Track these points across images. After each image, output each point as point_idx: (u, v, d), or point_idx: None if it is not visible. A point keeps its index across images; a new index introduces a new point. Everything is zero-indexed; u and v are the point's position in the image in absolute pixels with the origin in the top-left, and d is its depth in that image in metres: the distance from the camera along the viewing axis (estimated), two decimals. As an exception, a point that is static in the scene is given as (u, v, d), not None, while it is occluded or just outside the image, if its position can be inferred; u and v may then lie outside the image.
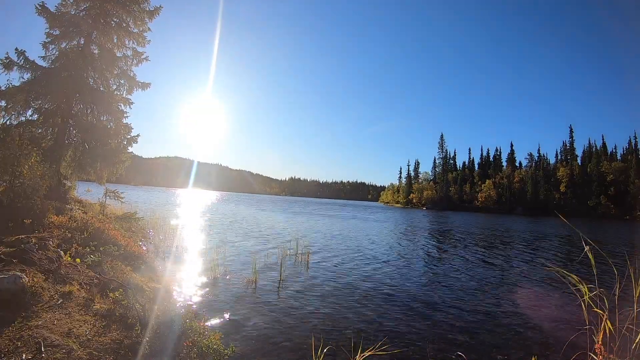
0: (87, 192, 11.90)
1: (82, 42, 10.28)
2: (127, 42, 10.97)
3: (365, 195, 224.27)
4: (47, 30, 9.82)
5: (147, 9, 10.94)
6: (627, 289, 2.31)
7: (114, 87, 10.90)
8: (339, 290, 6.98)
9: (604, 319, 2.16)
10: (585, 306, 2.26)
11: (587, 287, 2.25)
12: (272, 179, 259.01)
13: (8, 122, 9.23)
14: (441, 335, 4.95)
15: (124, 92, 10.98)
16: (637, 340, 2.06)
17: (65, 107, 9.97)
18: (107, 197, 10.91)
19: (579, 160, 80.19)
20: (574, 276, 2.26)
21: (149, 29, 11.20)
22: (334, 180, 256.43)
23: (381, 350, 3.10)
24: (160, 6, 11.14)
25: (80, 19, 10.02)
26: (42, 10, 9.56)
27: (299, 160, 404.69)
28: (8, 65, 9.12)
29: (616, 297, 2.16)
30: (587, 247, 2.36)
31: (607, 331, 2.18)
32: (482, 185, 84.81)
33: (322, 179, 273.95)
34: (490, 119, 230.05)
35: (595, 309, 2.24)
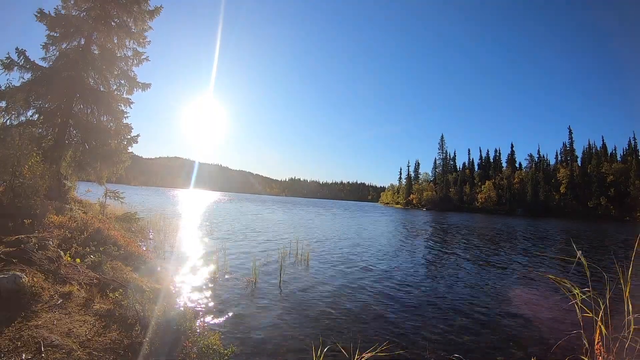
0: (87, 192, 11.89)
1: (83, 42, 10.31)
2: (127, 42, 11.00)
3: (365, 196, 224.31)
4: (48, 32, 9.84)
5: (148, 9, 10.98)
6: (622, 290, 2.31)
7: (114, 87, 10.93)
8: (339, 291, 6.97)
9: (598, 320, 2.18)
10: (578, 309, 2.29)
11: (581, 290, 2.27)
12: (272, 179, 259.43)
13: (8, 122, 9.24)
14: (441, 335, 4.95)
15: (124, 92, 11.00)
16: (629, 338, 2.07)
17: (65, 107, 9.98)
18: (107, 198, 10.92)
19: (579, 162, 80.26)
20: (567, 281, 2.29)
21: (150, 27, 11.22)
22: (334, 181, 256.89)
23: (381, 351, 3.11)
24: (160, 6, 11.17)
25: (80, 20, 10.04)
26: (41, 16, 9.59)
27: (299, 161, 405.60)
28: (8, 65, 9.14)
29: (608, 299, 2.17)
30: (579, 252, 2.39)
31: (602, 332, 2.20)
32: (482, 186, 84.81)
33: (322, 180, 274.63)
34: (490, 120, 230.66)
35: (589, 312, 2.26)
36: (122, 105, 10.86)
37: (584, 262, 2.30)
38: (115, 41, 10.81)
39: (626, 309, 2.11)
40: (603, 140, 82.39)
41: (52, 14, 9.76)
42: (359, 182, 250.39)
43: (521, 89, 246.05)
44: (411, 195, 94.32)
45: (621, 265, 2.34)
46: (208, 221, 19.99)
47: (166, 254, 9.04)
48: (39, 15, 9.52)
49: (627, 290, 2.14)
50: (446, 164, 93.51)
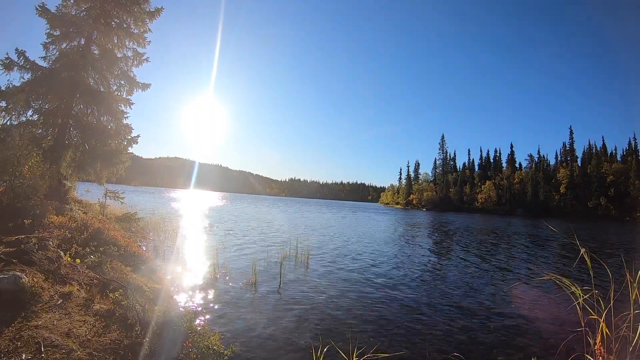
0: (87, 193, 11.89)
1: (83, 42, 10.30)
2: (127, 42, 10.99)
3: (365, 196, 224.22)
4: (48, 30, 9.83)
5: (148, 10, 10.97)
6: (624, 290, 2.31)
7: (114, 87, 10.92)
8: (339, 291, 6.97)
9: (601, 321, 2.17)
10: (580, 309, 2.28)
11: (583, 290, 2.27)
12: (272, 179, 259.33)
13: (8, 123, 9.23)
14: (441, 336, 4.94)
15: (124, 92, 10.99)
16: (635, 340, 2.06)
17: (65, 108, 9.97)
18: (107, 198, 10.91)
19: (579, 162, 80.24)
20: (567, 280, 2.28)
21: (150, 29, 11.22)
22: (334, 181, 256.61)
23: (381, 351, 3.11)
24: (161, 7, 11.17)
25: (81, 20, 10.03)
26: (43, 11, 9.57)
27: (299, 161, 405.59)
28: (8, 65, 9.13)
29: (611, 299, 2.17)
30: (583, 249, 2.38)
31: (604, 333, 2.19)
32: (482, 187, 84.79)
33: (322, 180, 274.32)
34: (490, 120, 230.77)
35: (592, 312, 2.25)
36: (122, 105, 10.85)
37: (588, 262, 2.29)
38: (116, 41, 10.80)
39: (632, 310, 2.10)
40: (603, 140, 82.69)
41: (54, 11, 9.75)
42: (359, 182, 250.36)
43: (521, 89, 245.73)
44: (411, 196, 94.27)
45: (629, 265, 2.33)
46: (208, 221, 19.98)
47: (166, 254, 9.04)
48: (40, 9, 9.50)
49: (634, 292, 2.13)
50: (446, 164, 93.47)
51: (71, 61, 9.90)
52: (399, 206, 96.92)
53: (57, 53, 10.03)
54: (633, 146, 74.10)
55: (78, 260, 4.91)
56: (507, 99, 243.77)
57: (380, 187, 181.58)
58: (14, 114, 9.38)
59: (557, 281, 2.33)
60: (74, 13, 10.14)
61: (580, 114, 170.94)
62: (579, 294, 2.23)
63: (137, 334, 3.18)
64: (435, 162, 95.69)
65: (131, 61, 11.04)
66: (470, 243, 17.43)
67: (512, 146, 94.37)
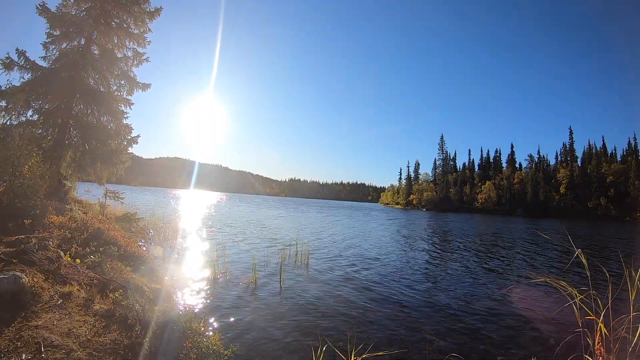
0: (87, 193, 11.88)
1: (83, 42, 10.29)
2: (127, 42, 10.98)
3: (365, 196, 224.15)
4: (48, 30, 9.83)
5: (148, 10, 10.96)
6: (622, 290, 2.31)
7: (115, 87, 10.91)
8: (339, 291, 6.97)
9: (599, 321, 2.18)
10: (577, 309, 2.29)
11: (580, 291, 2.28)
12: (272, 179, 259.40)
13: (8, 122, 9.22)
14: (441, 336, 4.95)
15: (124, 92, 10.98)
16: (634, 341, 2.07)
17: (65, 108, 9.97)
18: (107, 198, 10.89)
19: (579, 162, 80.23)
20: (563, 282, 2.28)
21: (150, 29, 11.21)
22: (334, 181, 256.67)
23: (381, 351, 3.11)
24: (160, 7, 11.16)
25: (81, 20, 10.03)
26: (43, 10, 9.57)
27: (299, 161, 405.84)
28: (8, 65, 9.12)
29: (609, 299, 2.17)
30: (579, 250, 2.38)
31: (603, 333, 2.19)
32: (482, 187, 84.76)
33: (322, 180, 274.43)
34: (490, 120, 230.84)
35: (590, 312, 2.26)
36: (122, 105, 10.84)
37: (584, 262, 2.30)
38: (116, 41, 10.80)
39: (631, 310, 2.11)
40: (603, 141, 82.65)
41: (54, 11, 9.75)
42: (359, 182, 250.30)
43: (521, 89, 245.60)
44: (411, 196, 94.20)
45: (628, 266, 2.33)
46: (208, 222, 19.98)
47: (166, 254, 9.04)
48: (40, 8, 9.49)
49: (634, 292, 2.13)
50: (446, 165, 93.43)
51: (71, 61, 9.90)
52: (399, 206, 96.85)
53: (57, 53, 10.02)
54: (633, 146, 74.09)
55: (78, 260, 4.91)
56: (507, 99, 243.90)
57: (380, 187, 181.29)
58: (14, 114, 9.37)
59: (554, 283, 2.34)
60: (74, 13, 10.14)
61: (580, 114, 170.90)
62: (576, 295, 2.24)
63: (137, 334, 3.19)
64: (435, 162, 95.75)
65: (131, 61, 11.03)
66: (469, 244, 17.43)
67: (512, 146, 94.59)
